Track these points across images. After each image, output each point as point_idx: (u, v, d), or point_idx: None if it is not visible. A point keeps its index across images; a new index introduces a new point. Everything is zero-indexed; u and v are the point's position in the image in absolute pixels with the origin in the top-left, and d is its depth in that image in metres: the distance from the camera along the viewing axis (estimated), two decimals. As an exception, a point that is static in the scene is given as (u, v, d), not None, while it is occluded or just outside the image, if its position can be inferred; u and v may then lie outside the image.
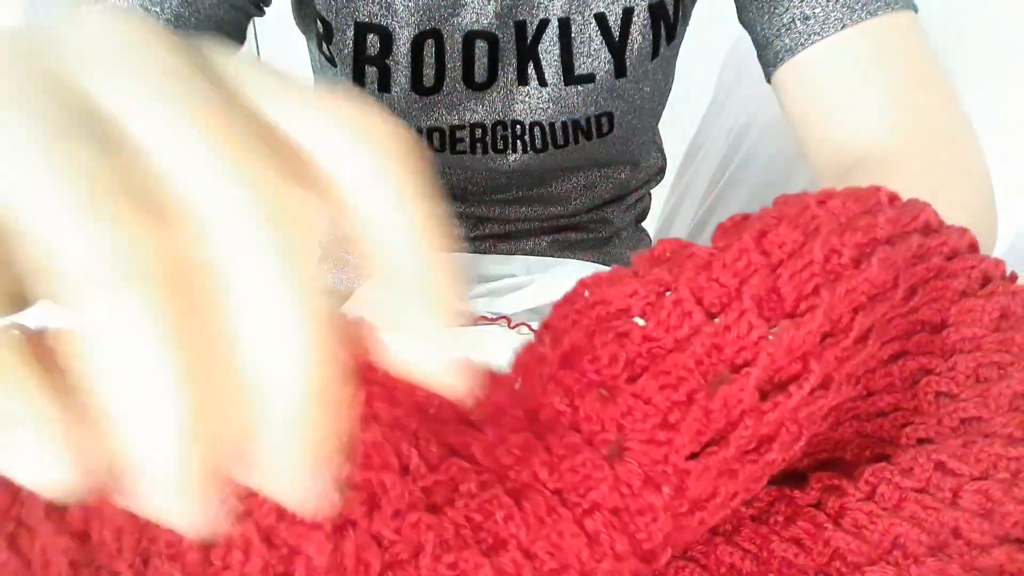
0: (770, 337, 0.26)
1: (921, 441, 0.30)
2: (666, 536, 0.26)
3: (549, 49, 0.65)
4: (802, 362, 0.27)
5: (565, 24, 0.63)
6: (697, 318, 0.26)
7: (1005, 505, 0.28)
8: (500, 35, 0.63)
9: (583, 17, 0.63)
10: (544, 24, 0.63)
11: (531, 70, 0.66)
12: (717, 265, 0.27)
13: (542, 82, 0.66)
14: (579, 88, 0.67)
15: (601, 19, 0.63)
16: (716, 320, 0.27)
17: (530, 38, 0.64)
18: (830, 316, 0.27)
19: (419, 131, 0.69)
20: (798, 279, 0.27)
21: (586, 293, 0.28)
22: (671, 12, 0.67)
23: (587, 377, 0.27)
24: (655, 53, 0.68)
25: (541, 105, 0.68)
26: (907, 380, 0.32)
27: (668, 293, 0.27)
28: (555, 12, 0.62)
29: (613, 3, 0.63)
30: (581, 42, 0.64)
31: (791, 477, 0.33)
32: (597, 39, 0.65)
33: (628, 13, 0.63)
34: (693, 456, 0.26)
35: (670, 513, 0.26)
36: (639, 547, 0.26)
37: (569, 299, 0.28)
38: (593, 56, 0.65)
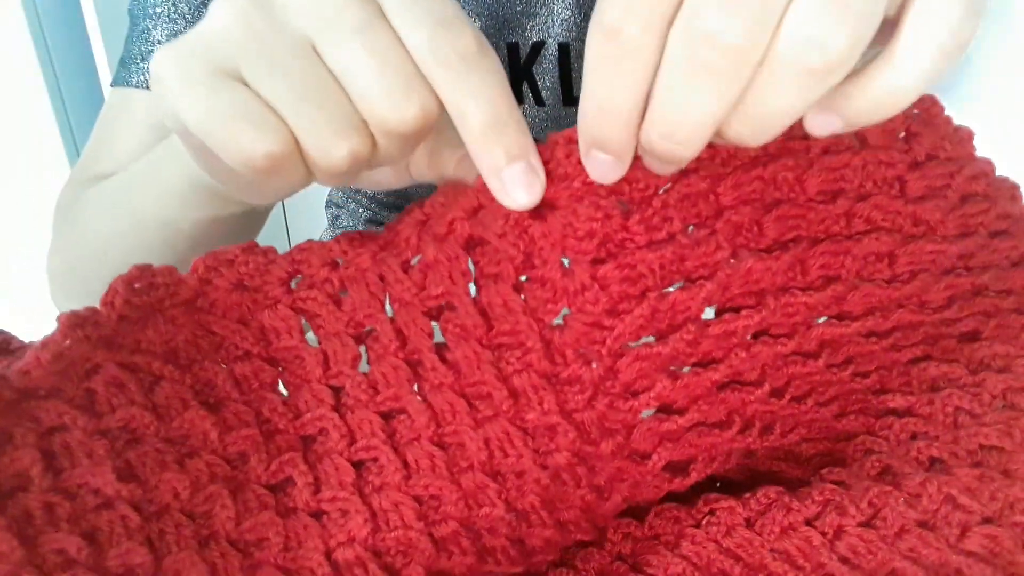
0: (731, 261, 0.27)
1: (933, 461, 0.28)
2: (600, 415, 0.27)
3: (548, 71, 0.64)
4: (757, 297, 0.28)
5: (564, 49, 0.62)
6: (676, 226, 0.27)
7: (1015, 554, 0.26)
8: None
9: (583, 43, 0.62)
10: (539, 46, 0.62)
11: (526, 89, 0.65)
12: (723, 183, 0.27)
13: (539, 101, 0.65)
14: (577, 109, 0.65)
15: None
16: (690, 230, 0.27)
17: (523, 59, 0.63)
18: (802, 266, 0.28)
19: None
20: (784, 222, 0.28)
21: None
22: None
23: (554, 239, 0.27)
24: None
25: (538, 125, 0.67)
26: (926, 385, 0.30)
27: (662, 192, 0.27)
28: (553, 36, 0.62)
29: None
30: (581, 66, 0.63)
31: (790, 459, 0.31)
32: None
33: None
34: None
35: (601, 391, 0.27)
36: (569, 415, 0.27)
37: (568, 146, 0.27)
38: None
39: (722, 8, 0.20)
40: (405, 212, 0.30)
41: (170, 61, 0.26)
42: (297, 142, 0.26)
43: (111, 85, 0.56)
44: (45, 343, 0.24)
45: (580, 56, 0.62)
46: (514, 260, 0.27)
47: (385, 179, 0.33)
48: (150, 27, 0.54)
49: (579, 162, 0.26)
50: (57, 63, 1.04)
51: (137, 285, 0.26)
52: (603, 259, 0.27)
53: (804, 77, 0.21)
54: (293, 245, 0.29)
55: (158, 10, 0.53)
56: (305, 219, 1.24)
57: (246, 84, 0.26)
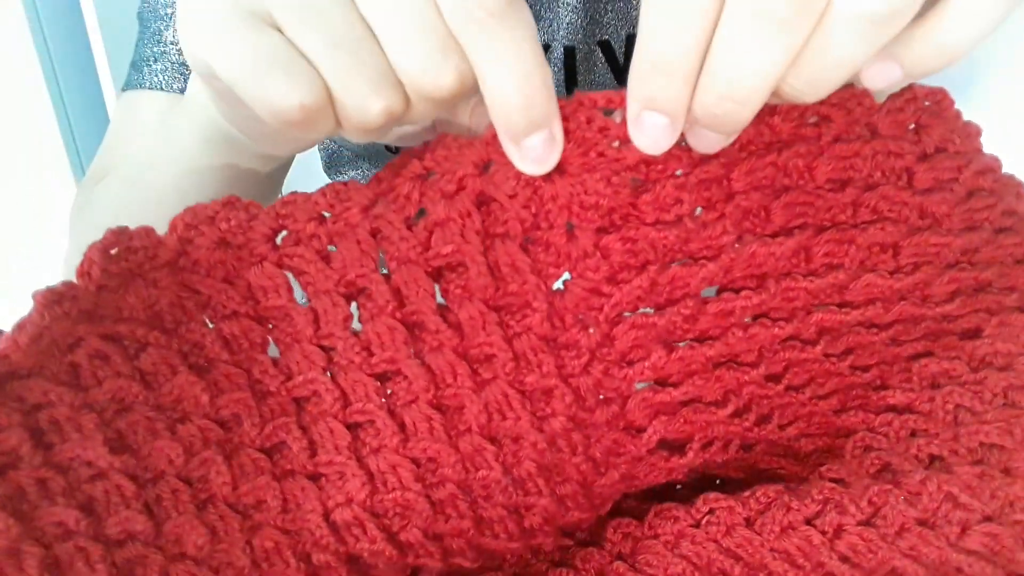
0: (736, 245, 0.27)
1: (933, 459, 0.28)
2: (596, 382, 0.28)
3: (553, 74, 0.63)
4: (759, 280, 0.28)
5: (570, 52, 0.62)
6: (686, 209, 0.27)
7: (1015, 552, 0.26)
8: None
9: (588, 47, 0.62)
10: (544, 49, 0.61)
11: None
12: (738, 169, 0.27)
13: None
14: None
15: (606, 46, 0.62)
16: (697, 212, 0.27)
17: None
18: (806, 252, 0.28)
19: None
20: (792, 209, 0.28)
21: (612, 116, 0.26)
22: None
23: (561, 203, 0.27)
24: None
25: None
26: (926, 382, 0.30)
27: (679, 173, 0.27)
28: (558, 39, 0.61)
29: (619, 30, 0.62)
30: (586, 69, 0.63)
31: (789, 455, 0.31)
32: (602, 65, 0.63)
33: (632, 40, 0.62)
34: None
35: (597, 357, 0.28)
36: (566, 379, 0.28)
37: (587, 113, 0.26)
38: (598, 82, 0.64)
39: None
40: (399, 164, 0.28)
41: (199, 1, 0.25)
42: (330, 94, 0.25)
43: (122, 89, 0.55)
44: (22, 325, 0.23)
45: (585, 59, 0.62)
46: (524, 222, 0.27)
47: (411, 133, 0.32)
48: (161, 28, 0.53)
49: (600, 130, 0.26)
50: (57, 64, 1.04)
51: (113, 251, 0.25)
52: (607, 229, 0.27)
53: (866, 25, 0.21)
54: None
55: (168, 11, 0.53)
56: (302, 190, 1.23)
57: (279, 30, 0.25)
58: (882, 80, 0.24)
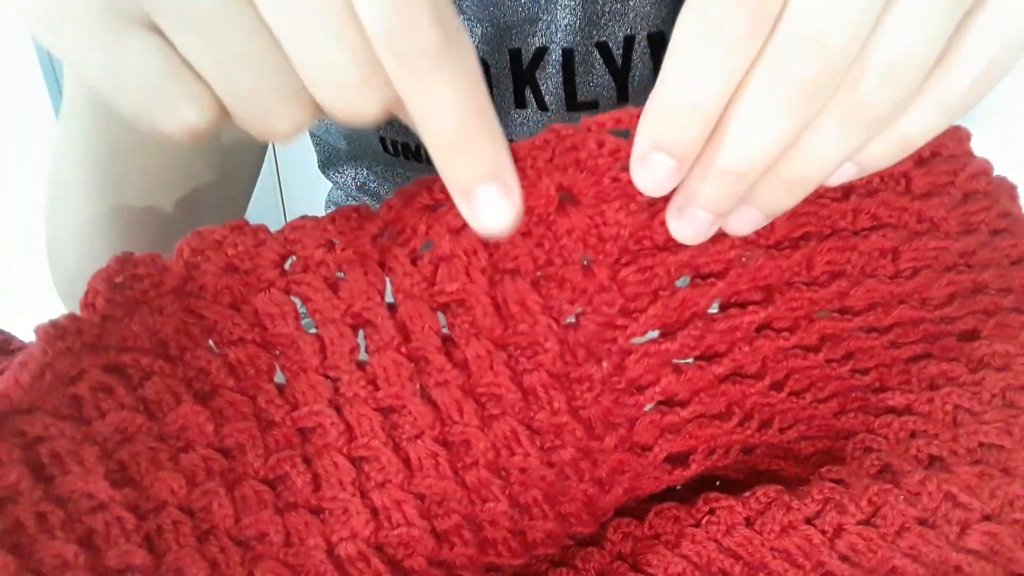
0: (743, 260, 0.27)
1: (932, 459, 0.28)
2: (605, 411, 0.28)
3: (551, 76, 0.63)
4: (763, 292, 0.28)
5: (568, 54, 0.61)
6: None
7: (1014, 551, 0.26)
8: (491, 61, 0.61)
9: (586, 48, 0.61)
10: (542, 51, 0.61)
11: (528, 94, 0.63)
12: None
13: (541, 106, 0.63)
14: (582, 114, 0.63)
15: (603, 47, 0.61)
16: None
17: (526, 64, 0.62)
18: (808, 261, 0.28)
19: (419, 149, 0.66)
20: (795, 219, 0.28)
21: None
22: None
23: (576, 237, 0.26)
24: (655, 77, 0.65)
25: (542, 130, 0.65)
26: (925, 383, 0.30)
27: None
28: (556, 41, 0.61)
29: (616, 31, 0.61)
30: (584, 71, 0.62)
31: (789, 457, 0.31)
32: (600, 67, 0.63)
33: (630, 41, 0.62)
34: None
35: (608, 387, 0.27)
36: (576, 412, 0.27)
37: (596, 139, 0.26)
38: (596, 84, 0.63)
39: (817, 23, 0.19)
40: (409, 194, 0.28)
41: None
42: (225, 109, 0.21)
43: None
44: (24, 362, 0.22)
45: (584, 61, 0.61)
46: (537, 260, 0.27)
47: None
48: None
49: (611, 153, 0.25)
50: (57, 64, 1.04)
51: (118, 280, 0.24)
52: (624, 261, 0.27)
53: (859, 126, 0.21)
54: (289, 218, 0.27)
55: None
56: (301, 190, 1.23)
57: (159, 33, 0.20)
58: (840, 177, 0.24)
